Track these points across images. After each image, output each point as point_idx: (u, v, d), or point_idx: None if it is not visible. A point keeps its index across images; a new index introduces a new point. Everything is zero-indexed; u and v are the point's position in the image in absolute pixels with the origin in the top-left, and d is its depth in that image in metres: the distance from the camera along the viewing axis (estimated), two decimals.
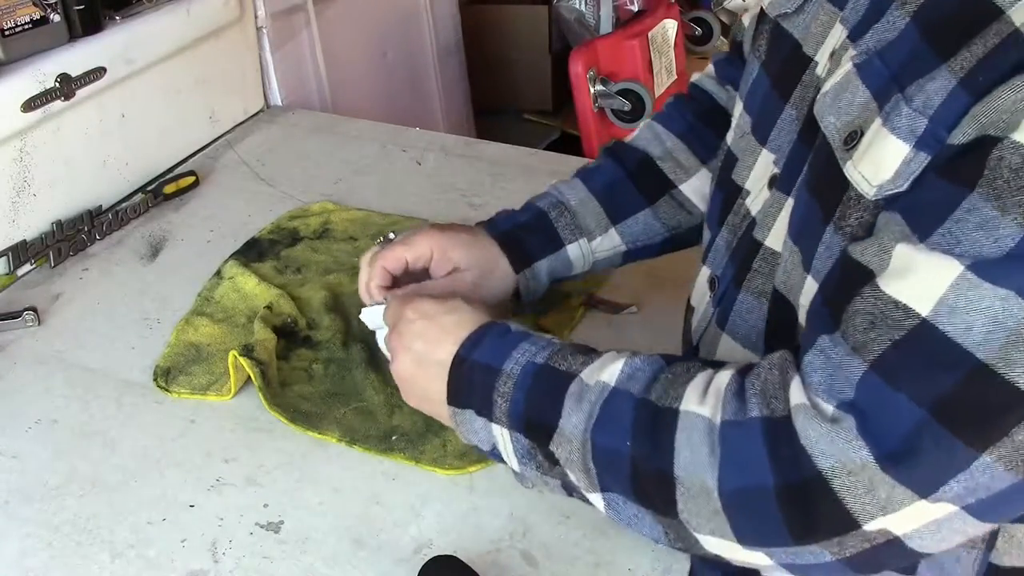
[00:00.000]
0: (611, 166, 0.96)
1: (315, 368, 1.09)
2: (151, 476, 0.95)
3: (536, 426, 0.71)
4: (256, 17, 1.69)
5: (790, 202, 0.73)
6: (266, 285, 1.21)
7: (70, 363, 1.11)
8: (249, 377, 1.03)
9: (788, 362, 0.63)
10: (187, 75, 1.54)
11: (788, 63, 0.77)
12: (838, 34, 0.71)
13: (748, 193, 0.80)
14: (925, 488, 0.55)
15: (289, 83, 1.81)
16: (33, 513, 0.91)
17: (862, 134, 0.62)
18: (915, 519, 0.57)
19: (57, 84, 1.28)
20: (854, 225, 0.63)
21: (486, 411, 0.73)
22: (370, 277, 0.89)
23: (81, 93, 1.32)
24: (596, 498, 0.69)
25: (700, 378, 0.66)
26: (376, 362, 1.09)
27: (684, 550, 0.68)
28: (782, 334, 0.73)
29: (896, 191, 0.60)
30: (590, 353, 0.73)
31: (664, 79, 2.56)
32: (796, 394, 0.60)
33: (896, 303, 0.56)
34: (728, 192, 0.84)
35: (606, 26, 2.63)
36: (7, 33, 1.23)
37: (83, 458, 0.97)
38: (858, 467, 0.56)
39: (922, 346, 0.55)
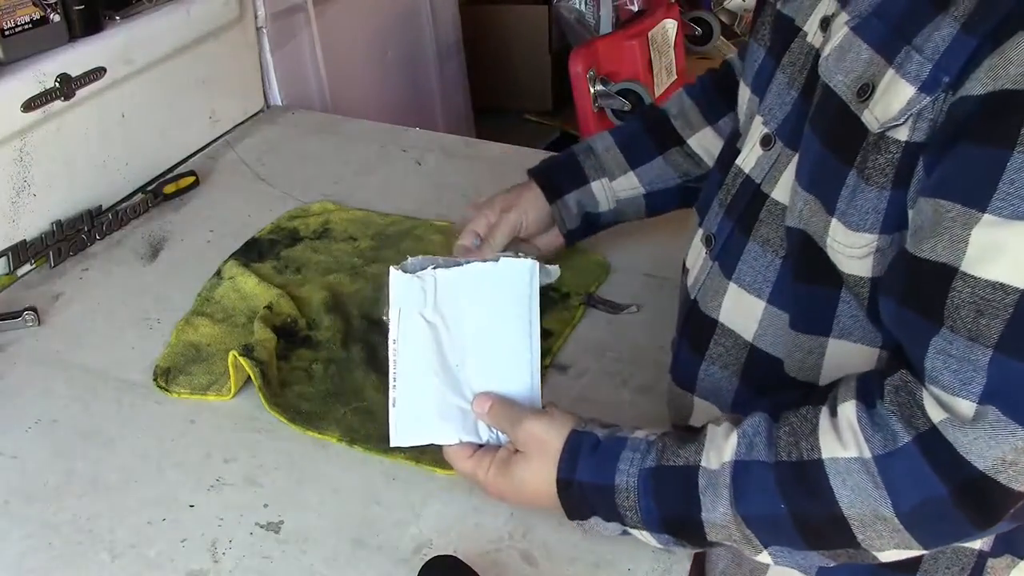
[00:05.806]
0: (634, 123, 1.15)
1: (315, 368, 1.09)
2: (151, 476, 0.95)
3: (680, 525, 0.74)
4: (256, 17, 1.69)
5: (797, 157, 0.78)
6: (266, 285, 1.21)
7: (70, 363, 1.11)
8: (249, 377, 1.03)
9: (909, 381, 0.66)
10: (187, 75, 1.54)
11: (785, 40, 0.83)
12: (827, 2, 0.77)
13: (738, 154, 0.87)
14: None
15: (289, 83, 1.80)
16: (33, 513, 0.91)
17: (874, 87, 0.68)
18: None
19: (57, 84, 1.28)
20: (871, 168, 0.68)
21: (615, 519, 0.77)
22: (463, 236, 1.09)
23: (81, 93, 1.32)
24: (762, 556, 0.72)
25: (824, 422, 0.69)
26: (376, 362, 1.09)
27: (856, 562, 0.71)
28: (809, 262, 0.76)
29: (895, 124, 0.66)
30: (693, 437, 0.75)
31: (664, 79, 2.56)
32: (934, 412, 0.63)
33: (993, 285, 0.60)
34: (727, 162, 0.90)
35: (606, 26, 2.62)
36: (7, 33, 1.23)
37: (83, 458, 0.97)
38: (1018, 451, 0.60)
39: None
